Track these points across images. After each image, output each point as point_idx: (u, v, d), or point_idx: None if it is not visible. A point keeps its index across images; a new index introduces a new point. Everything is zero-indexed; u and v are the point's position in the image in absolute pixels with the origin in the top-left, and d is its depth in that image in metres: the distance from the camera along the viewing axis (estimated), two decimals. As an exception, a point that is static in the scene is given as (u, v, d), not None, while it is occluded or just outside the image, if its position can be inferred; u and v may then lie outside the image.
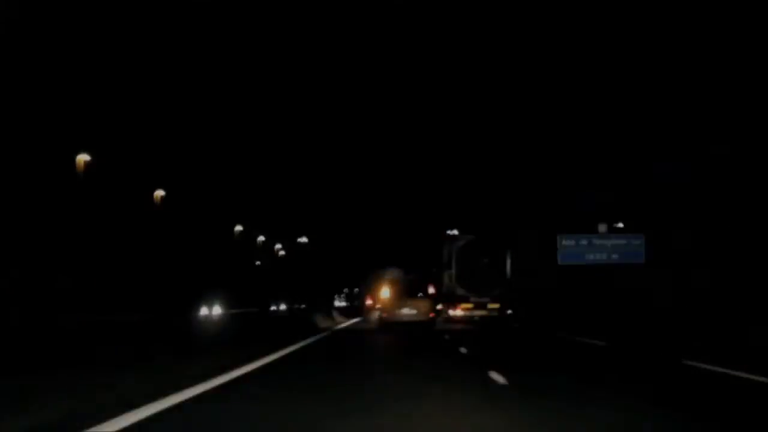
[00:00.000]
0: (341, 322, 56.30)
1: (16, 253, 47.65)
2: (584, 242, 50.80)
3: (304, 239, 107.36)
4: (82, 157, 54.89)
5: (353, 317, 66.45)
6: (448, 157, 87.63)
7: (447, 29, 73.62)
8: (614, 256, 50.60)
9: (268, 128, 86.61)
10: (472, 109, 76.34)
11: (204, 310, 58.06)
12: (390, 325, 37.39)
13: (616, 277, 51.52)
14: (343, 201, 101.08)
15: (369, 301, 53.66)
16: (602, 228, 50.92)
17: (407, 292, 38.51)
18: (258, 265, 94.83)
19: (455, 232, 54.94)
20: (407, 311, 37.51)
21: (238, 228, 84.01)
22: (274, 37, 79.55)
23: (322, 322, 49.78)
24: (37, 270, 48.70)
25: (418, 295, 38.32)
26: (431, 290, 39.37)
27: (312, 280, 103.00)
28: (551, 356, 21.42)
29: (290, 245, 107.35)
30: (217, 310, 59.35)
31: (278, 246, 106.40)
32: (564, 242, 50.75)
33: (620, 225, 52.18)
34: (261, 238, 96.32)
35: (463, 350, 22.90)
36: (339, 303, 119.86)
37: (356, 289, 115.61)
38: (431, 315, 37.96)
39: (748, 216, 43.04)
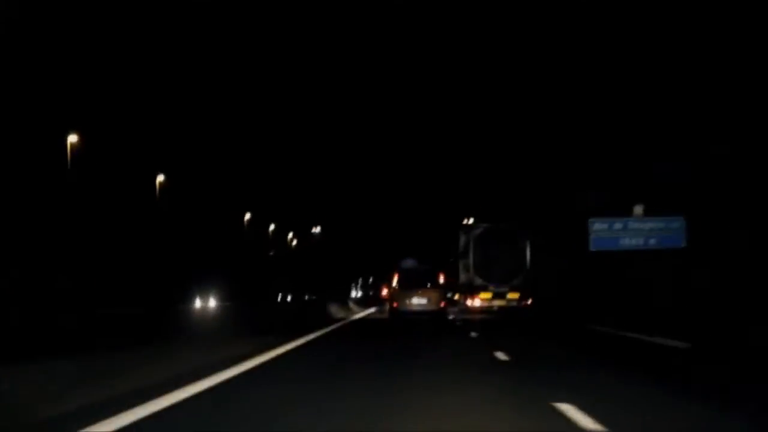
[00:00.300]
0: (357, 313, 54.05)
1: (16, 253, 42.74)
2: (618, 226, 44.81)
3: (317, 229, 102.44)
4: (74, 141, 49.91)
5: (369, 307, 63.82)
6: (464, 145, 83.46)
7: (462, 21, 69.23)
8: (652, 241, 44.63)
9: (281, 115, 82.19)
10: (487, 98, 71.81)
11: (198, 302, 52.13)
12: (401, 315, 36.19)
13: (629, 266, 45.82)
14: (358, 190, 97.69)
15: (384, 291, 50.78)
16: (638, 210, 44.80)
17: (417, 282, 37.06)
18: (270, 255, 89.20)
19: (471, 220, 52.85)
20: (417, 301, 36.27)
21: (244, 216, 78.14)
22: (292, 20, 74.60)
23: (338, 312, 47.48)
24: (37, 267, 43.56)
25: (427, 285, 36.87)
26: (442, 280, 37.50)
27: (326, 270, 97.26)
28: (633, 370, 14.88)
29: (303, 235, 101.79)
30: (212, 302, 53.25)
31: (290, 236, 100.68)
32: (596, 226, 44.74)
33: None
34: (272, 227, 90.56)
35: (501, 356, 16.62)
36: (354, 293, 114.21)
37: (371, 279, 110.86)
38: (442, 305, 36.72)
39: (748, 216, 39.57)
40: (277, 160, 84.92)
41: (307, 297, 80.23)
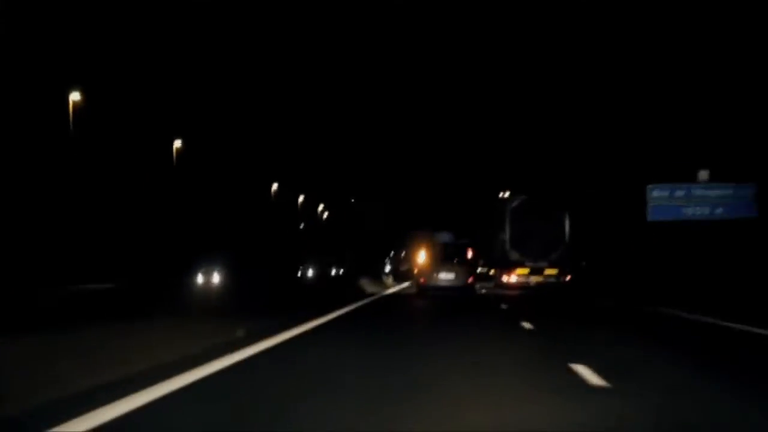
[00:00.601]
0: (391, 287, 51.86)
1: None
2: (680, 193, 38.27)
3: (350, 201, 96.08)
4: (77, 100, 44.02)
5: (405, 281, 60.51)
6: (501, 114, 77.70)
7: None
8: (718, 211, 38.07)
9: (314, 84, 76.11)
10: (523, 68, 65.69)
11: (200, 277, 45.47)
12: (429, 290, 34.61)
13: (695, 239, 39.36)
14: (393, 162, 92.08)
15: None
16: (703, 175, 38.07)
17: (446, 257, 35.80)
18: (300, 228, 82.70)
19: (508, 194, 50.21)
20: (445, 276, 34.79)
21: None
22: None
23: (370, 287, 45.30)
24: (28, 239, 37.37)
25: (455, 260, 35.64)
26: (470, 254, 36.64)
27: (359, 243, 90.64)
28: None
29: (335, 207, 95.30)
30: (216, 277, 46.55)
31: (321, 208, 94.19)
32: (655, 194, 38.09)
33: None
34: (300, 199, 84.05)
35: (587, 374, 9.74)
36: (388, 267, 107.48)
37: (403, 253, 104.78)
38: (470, 280, 35.41)
39: None
40: (309, 130, 78.85)
41: (333, 271, 74.06)
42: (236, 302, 23.80)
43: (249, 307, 21.76)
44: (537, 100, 65.71)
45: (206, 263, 45.48)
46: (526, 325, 17.71)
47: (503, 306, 25.99)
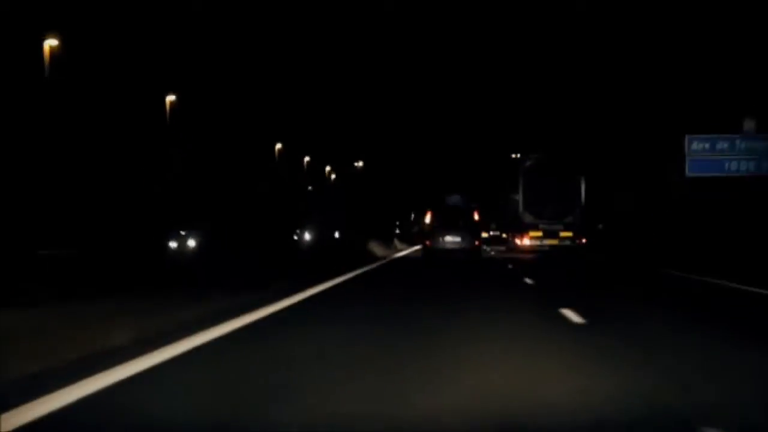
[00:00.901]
0: (401, 250, 51.92)
1: None
2: (723, 145, 32.92)
3: (359, 163, 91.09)
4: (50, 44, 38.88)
5: (414, 244, 59.29)
6: (515, 75, 73.14)
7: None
8: (766, 165, 32.40)
9: (324, 46, 71.07)
10: (536, 27, 60.60)
11: (173, 243, 41.40)
12: (435, 253, 33.80)
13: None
14: (403, 123, 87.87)
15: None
16: (749, 126, 32.50)
17: (452, 220, 34.64)
18: (308, 190, 77.56)
19: (519, 155, 47.78)
20: (451, 239, 33.85)
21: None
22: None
23: (380, 250, 44.75)
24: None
25: (462, 223, 34.39)
26: (477, 217, 35.00)
27: (368, 206, 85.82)
28: None
29: (343, 168, 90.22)
30: (191, 242, 42.33)
31: (328, 169, 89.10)
32: (694, 146, 32.68)
33: None
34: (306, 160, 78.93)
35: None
36: (399, 230, 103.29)
37: (412, 215, 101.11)
38: (476, 243, 34.43)
39: None
40: (318, 91, 73.69)
41: (337, 234, 69.30)
42: (199, 273, 19.07)
43: (215, 280, 16.95)
44: (552, 52, 60.48)
45: (184, 227, 41.22)
46: (572, 315, 11.70)
47: (527, 281, 20.08)
